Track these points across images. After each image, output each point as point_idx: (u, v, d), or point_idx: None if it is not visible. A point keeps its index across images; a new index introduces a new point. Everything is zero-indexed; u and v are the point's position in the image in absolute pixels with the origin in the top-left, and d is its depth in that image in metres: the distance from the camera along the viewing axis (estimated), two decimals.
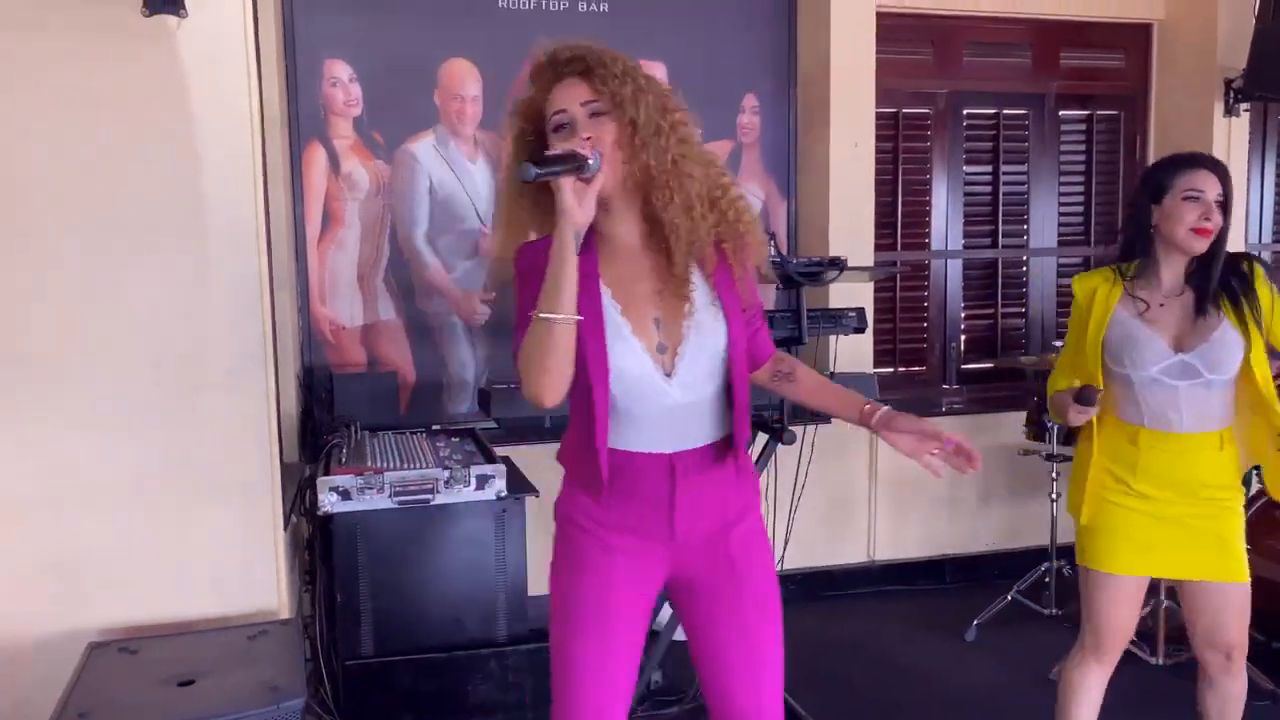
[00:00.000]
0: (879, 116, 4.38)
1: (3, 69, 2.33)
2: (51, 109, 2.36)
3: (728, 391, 1.84)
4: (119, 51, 2.38)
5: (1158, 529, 2.41)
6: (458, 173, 4.05)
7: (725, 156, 4.33)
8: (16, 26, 2.32)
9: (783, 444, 3.05)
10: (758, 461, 3.28)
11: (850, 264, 3.20)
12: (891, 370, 4.69)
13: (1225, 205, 2.39)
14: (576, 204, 1.63)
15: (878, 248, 4.45)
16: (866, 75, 4.26)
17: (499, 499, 2.93)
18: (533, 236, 1.83)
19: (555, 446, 4.29)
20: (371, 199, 3.99)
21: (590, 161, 1.64)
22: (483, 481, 2.91)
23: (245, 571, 2.57)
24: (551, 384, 1.67)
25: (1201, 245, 2.37)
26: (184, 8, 2.34)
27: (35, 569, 2.42)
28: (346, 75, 3.91)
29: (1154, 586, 3.34)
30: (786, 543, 3.35)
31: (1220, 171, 2.41)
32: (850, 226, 4.28)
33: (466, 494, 2.90)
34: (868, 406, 1.87)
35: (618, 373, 1.74)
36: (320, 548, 3.03)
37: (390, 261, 4.02)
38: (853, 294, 4.05)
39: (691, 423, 1.80)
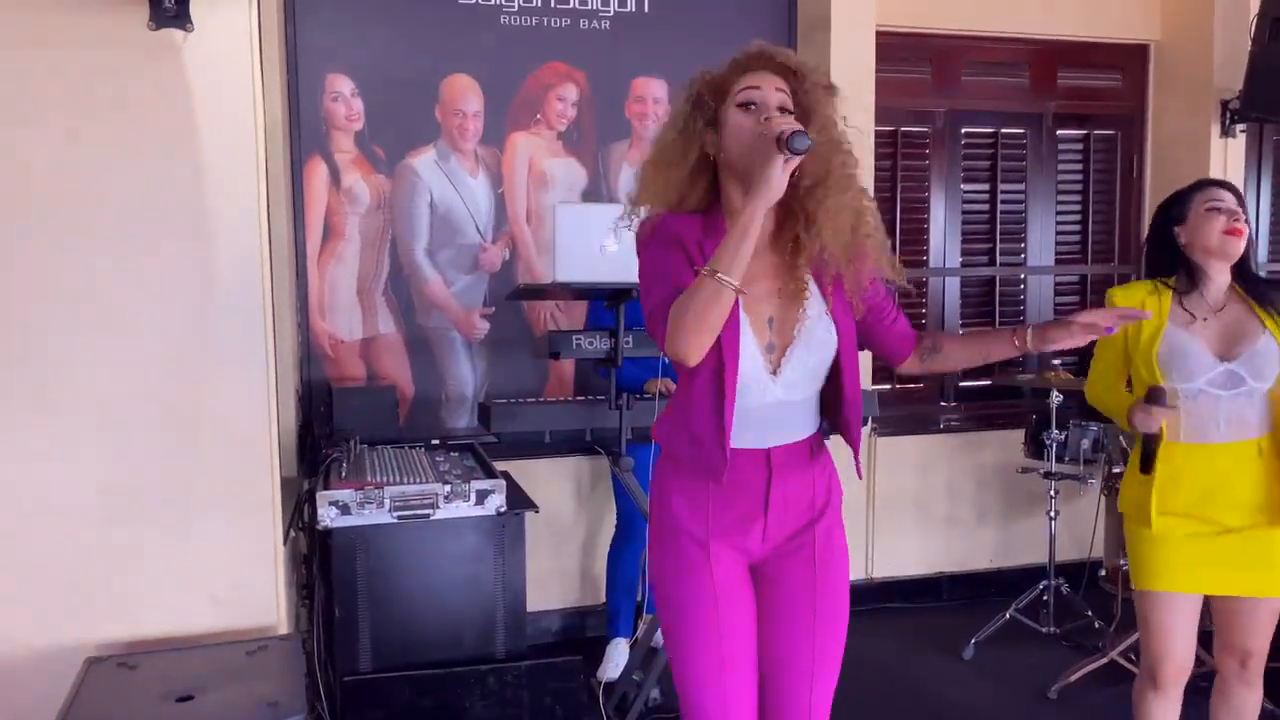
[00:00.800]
0: (878, 135, 4.40)
1: (9, 82, 2.33)
2: (57, 122, 2.36)
3: (823, 390, 1.89)
4: (125, 65, 2.38)
5: (1200, 546, 2.40)
6: (458, 188, 4.05)
7: None
8: (24, 40, 2.32)
9: None
10: None
11: None
12: (889, 387, 4.69)
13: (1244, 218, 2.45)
14: (782, 178, 1.67)
15: None
16: (865, 93, 4.28)
17: (499, 514, 2.92)
18: (646, 210, 1.88)
19: (556, 461, 4.32)
20: (372, 213, 3.99)
21: (810, 143, 1.67)
22: (482, 496, 2.90)
23: (245, 586, 2.55)
24: (704, 344, 1.69)
25: (1237, 246, 2.41)
26: (190, 22, 2.35)
27: (33, 583, 2.41)
28: (348, 90, 3.92)
29: None
30: None
31: (1235, 190, 2.48)
32: None
33: (466, 509, 2.89)
34: (1016, 339, 1.89)
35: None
36: (319, 562, 3.02)
37: (390, 276, 4.02)
38: None
39: (790, 419, 1.86)
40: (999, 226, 4.83)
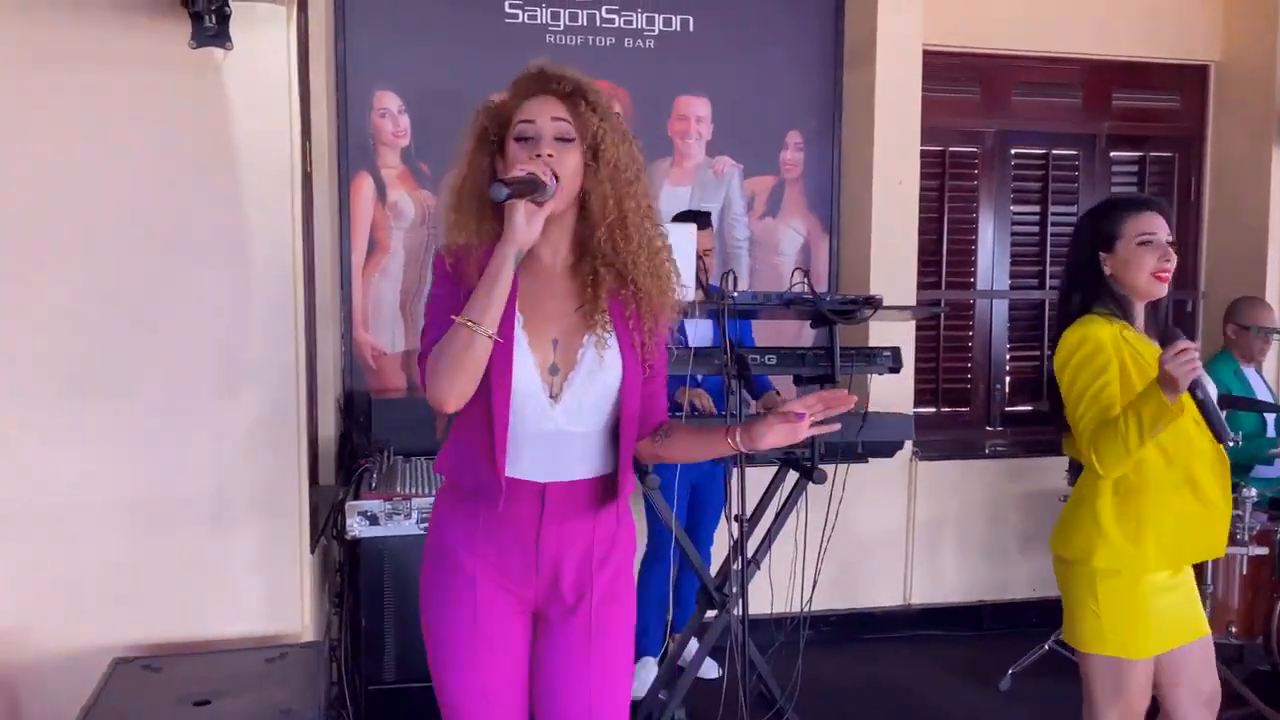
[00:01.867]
0: (926, 154, 4.36)
1: (51, 100, 2.41)
2: (97, 139, 2.43)
3: (613, 432, 1.81)
4: (165, 84, 2.44)
5: (1161, 599, 2.26)
6: None
7: (768, 192, 4.34)
8: (65, 59, 2.40)
9: (813, 483, 3.03)
10: (786, 500, 3.26)
11: (888, 303, 3.17)
12: (934, 410, 4.63)
13: (1174, 246, 2.30)
14: (526, 225, 1.64)
15: (922, 286, 4.41)
16: (912, 113, 4.24)
17: None
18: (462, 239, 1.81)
19: None
20: (416, 228, 4.05)
21: (548, 186, 1.65)
22: None
23: (270, 593, 2.60)
24: (461, 391, 1.65)
25: (1163, 290, 2.28)
26: (230, 41, 2.41)
27: (66, 584, 2.47)
28: (395, 106, 3.99)
29: None
30: (815, 583, 3.30)
31: (1166, 212, 2.32)
32: (892, 264, 4.25)
33: None
34: (730, 437, 1.74)
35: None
36: (348, 571, 3.06)
37: None
38: (893, 333, 4.02)
39: (570, 454, 1.77)
40: (1049, 249, 4.74)
